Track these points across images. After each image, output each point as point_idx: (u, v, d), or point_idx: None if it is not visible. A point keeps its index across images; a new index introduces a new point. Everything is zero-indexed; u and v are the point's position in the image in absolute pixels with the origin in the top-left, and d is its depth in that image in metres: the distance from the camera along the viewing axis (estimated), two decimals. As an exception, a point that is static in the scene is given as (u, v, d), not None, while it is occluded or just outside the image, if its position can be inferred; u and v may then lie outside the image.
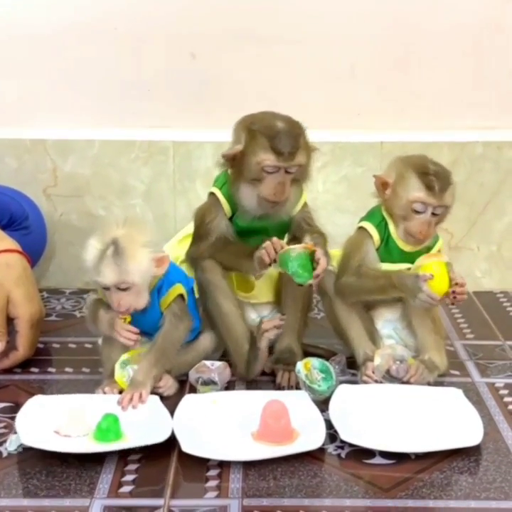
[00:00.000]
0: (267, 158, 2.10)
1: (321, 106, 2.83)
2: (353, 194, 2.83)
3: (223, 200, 2.24)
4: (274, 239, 2.10)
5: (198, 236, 2.27)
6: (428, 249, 2.25)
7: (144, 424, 1.94)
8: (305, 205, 2.30)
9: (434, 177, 2.15)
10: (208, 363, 2.19)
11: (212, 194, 2.27)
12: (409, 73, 2.85)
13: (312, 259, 2.10)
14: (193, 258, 2.28)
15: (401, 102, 2.86)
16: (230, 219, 2.26)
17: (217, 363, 2.20)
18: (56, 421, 1.94)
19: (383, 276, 2.20)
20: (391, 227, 2.24)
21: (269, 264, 2.10)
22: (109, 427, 1.88)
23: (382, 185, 2.24)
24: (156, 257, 2.04)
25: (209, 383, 2.16)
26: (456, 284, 2.13)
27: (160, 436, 1.87)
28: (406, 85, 2.86)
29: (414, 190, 2.16)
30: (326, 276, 2.29)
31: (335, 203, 2.84)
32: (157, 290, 2.11)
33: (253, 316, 2.36)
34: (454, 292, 2.14)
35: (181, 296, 2.16)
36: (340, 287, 2.26)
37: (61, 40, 2.81)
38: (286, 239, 2.30)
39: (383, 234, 2.25)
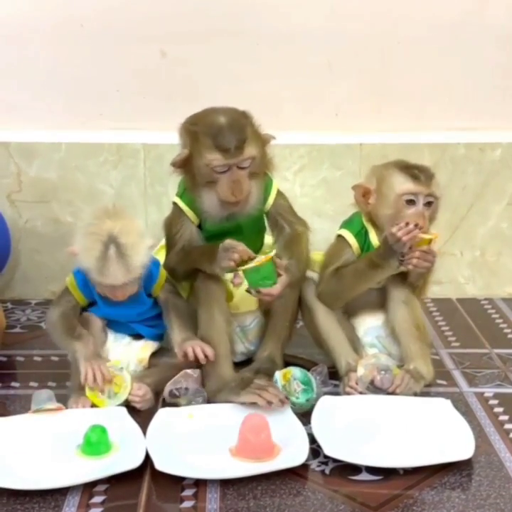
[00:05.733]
0: (213, 159, 2.03)
1: (297, 106, 2.78)
2: (331, 198, 2.77)
3: (186, 209, 2.17)
4: (241, 248, 2.03)
5: (169, 246, 2.22)
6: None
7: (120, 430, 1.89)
8: (278, 195, 2.22)
9: (416, 169, 2.13)
10: (189, 371, 2.10)
11: (175, 204, 2.21)
12: (389, 72, 2.79)
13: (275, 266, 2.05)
14: (170, 267, 2.21)
15: (380, 102, 2.81)
16: (200, 225, 2.19)
17: (198, 370, 2.12)
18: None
19: (362, 261, 2.15)
20: (371, 235, 2.19)
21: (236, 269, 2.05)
22: (99, 439, 1.81)
23: (363, 195, 2.18)
24: (152, 244, 2.06)
25: (195, 393, 2.07)
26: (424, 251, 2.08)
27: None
28: (385, 84, 2.80)
29: (402, 183, 2.11)
30: (305, 284, 2.27)
31: (313, 207, 2.77)
32: (147, 278, 2.10)
33: (233, 325, 2.26)
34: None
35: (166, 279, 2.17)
36: (322, 295, 2.22)
37: (24, 38, 2.71)
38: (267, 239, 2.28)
39: (363, 242, 2.20)
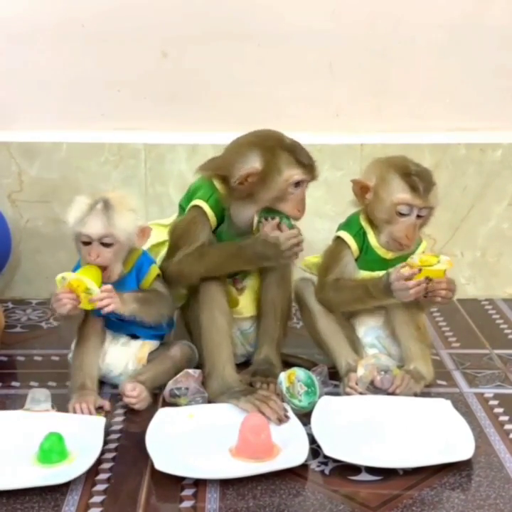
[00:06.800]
0: (295, 173, 2.08)
1: (298, 107, 2.77)
2: (332, 198, 2.77)
3: (211, 214, 2.15)
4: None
5: (177, 248, 2.16)
6: (409, 255, 2.18)
7: (87, 440, 1.84)
8: None
9: (417, 177, 2.10)
10: (190, 371, 2.10)
11: (196, 207, 2.16)
12: (389, 72, 2.79)
13: None
14: (175, 270, 2.17)
15: (381, 103, 2.80)
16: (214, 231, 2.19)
17: (199, 371, 2.12)
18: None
19: (360, 287, 2.15)
20: (370, 236, 2.19)
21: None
22: (52, 447, 1.77)
23: (361, 189, 2.17)
24: (141, 226, 2.09)
25: (195, 392, 2.07)
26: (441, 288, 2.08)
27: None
28: (386, 85, 2.80)
29: (399, 192, 2.10)
30: (304, 285, 2.28)
31: (313, 207, 2.72)
32: (137, 269, 2.13)
33: (233, 329, 2.24)
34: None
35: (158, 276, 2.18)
36: (321, 301, 2.23)
37: (25, 39, 2.71)
38: None
39: (361, 244, 2.20)
